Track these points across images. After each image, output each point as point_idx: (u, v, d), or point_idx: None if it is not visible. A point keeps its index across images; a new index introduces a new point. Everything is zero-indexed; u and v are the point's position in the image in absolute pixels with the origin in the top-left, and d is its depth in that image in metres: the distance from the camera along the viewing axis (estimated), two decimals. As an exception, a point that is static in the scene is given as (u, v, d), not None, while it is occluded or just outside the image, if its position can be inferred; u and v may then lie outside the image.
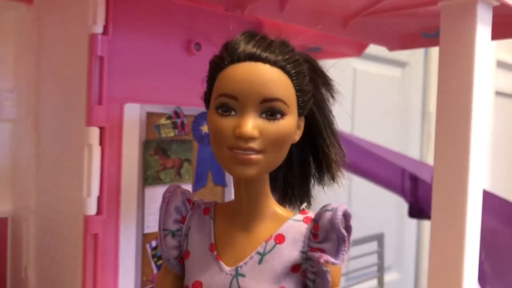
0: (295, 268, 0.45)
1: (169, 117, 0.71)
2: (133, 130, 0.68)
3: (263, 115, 0.43)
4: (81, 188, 0.64)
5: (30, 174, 0.79)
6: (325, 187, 0.51)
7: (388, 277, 1.92)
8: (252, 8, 0.75)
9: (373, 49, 1.10)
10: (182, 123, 0.73)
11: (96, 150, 0.64)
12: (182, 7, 0.72)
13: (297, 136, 0.46)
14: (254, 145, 0.42)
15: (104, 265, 0.65)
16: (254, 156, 0.42)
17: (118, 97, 0.66)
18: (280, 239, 0.45)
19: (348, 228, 0.43)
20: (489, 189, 1.88)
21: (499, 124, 2.35)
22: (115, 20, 0.65)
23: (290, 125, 0.44)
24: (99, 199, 0.65)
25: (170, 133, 0.72)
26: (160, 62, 0.70)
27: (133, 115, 0.68)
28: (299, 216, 0.47)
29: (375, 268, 1.61)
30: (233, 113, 0.43)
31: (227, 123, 0.43)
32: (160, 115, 0.70)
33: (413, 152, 2.06)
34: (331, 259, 0.42)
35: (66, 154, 0.70)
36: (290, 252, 0.45)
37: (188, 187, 0.74)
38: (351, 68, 1.77)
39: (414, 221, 2.06)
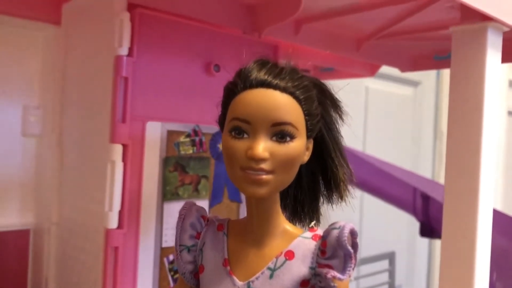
0: (304, 283, 0.47)
1: (188, 135, 0.74)
2: (154, 147, 0.71)
3: (274, 138, 0.45)
4: (103, 202, 0.67)
5: (53, 188, 0.82)
6: (335, 206, 0.53)
7: (399, 296, 1.91)
8: (269, 32, 0.78)
9: (386, 68, 1.12)
10: (201, 141, 0.75)
11: (119, 166, 0.66)
12: (202, 30, 0.75)
13: (306, 157, 0.49)
14: (265, 166, 0.45)
15: (123, 277, 0.68)
16: (265, 177, 0.45)
17: (141, 116, 0.69)
18: (290, 255, 0.47)
19: (354, 245, 0.45)
20: (502, 208, 1.87)
21: (511, 144, 2.34)
22: (139, 43, 0.68)
23: (299, 147, 0.46)
24: (120, 213, 0.67)
25: (189, 150, 0.74)
26: (181, 83, 0.73)
27: (154, 133, 0.71)
28: (308, 234, 0.49)
29: (386, 286, 1.61)
30: (245, 135, 0.46)
31: (240, 145, 0.45)
32: (179, 133, 0.73)
33: (425, 171, 2.07)
34: (338, 275, 0.44)
35: (89, 169, 0.73)
36: (300, 268, 0.47)
37: (205, 203, 0.76)
38: (363, 86, 1.79)
39: (425, 240, 2.05)
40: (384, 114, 1.87)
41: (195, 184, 0.75)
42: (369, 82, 1.79)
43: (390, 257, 1.62)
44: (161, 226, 0.72)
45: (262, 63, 0.47)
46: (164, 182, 0.71)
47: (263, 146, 0.44)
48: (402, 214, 1.47)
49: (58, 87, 0.83)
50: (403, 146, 1.97)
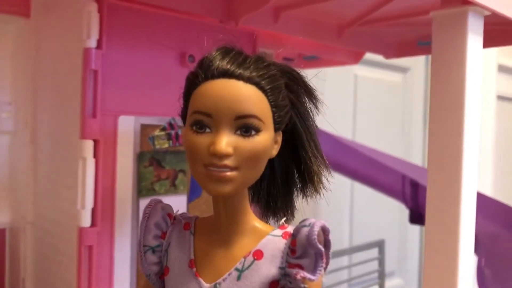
0: (273, 284, 0.45)
1: (163, 129, 0.72)
2: (127, 142, 0.68)
3: (238, 132, 0.43)
4: (76, 200, 0.65)
5: (27, 186, 0.79)
6: (320, 195, 0.50)
7: (392, 283, 1.91)
8: (246, 20, 0.75)
9: (374, 55, 1.10)
10: (176, 134, 0.73)
11: (90, 162, 0.64)
12: (175, 20, 0.73)
13: (274, 151, 0.46)
14: (228, 162, 0.42)
15: (98, 277, 0.66)
16: (229, 173, 0.42)
17: (112, 110, 0.67)
18: (258, 255, 0.45)
19: (327, 243, 0.43)
20: (491, 193, 1.87)
21: (501, 128, 2.34)
22: (109, 34, 0.66)
23: (265, 141, 0.44)
24: (94, 211, 0.65)
25: (165, 144, 0.72)
26: (154, 75, 0.71)
27: (127, 127, 0.68)
28: (278, 231, 0.47)
29: (376, 275, 1.61)
30: (207, 130, 0.43)
31: (201, 140, 0.43)
32: (154, 126, 0.71)
33: (415, 158, 2.06)
34: (308, 275, 0.42)
35: (62, 166, 0.70)
36: (269, 268, 0.45)
37: (183, 198, 0.74)
38: (352, 74, 1.77)
39: (416, 227, 2.05)
40: (373, 101, 1.85)
41: (172, 179, 0.73)
42: (358, 69, 1.77)
43: (379, 245, 1.62)
44: (137, 223, 0.70)
45: (225, 51, 0.45)
46: (139, 177, 0.69)
47: (226, 141, 0.42)
48: (391, 202, 1.46)
49: (30, 82, 0.80)
50: (393, 133, 1.96)
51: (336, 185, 0.50)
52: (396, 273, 1.99)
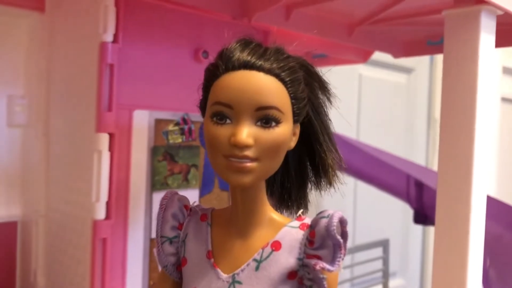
0: (291, 275, 0.45)
1: (177, 124, 0.73)
2: (141, 136, 0.69)
3: (258, 123, 0.43)
4: (90, 193, 0.65)
5: (39, 179, 0.80)
6: (323, 192, 0.51)
7: (393, 283, 1.91)
8: (259, 17, 0.76)
9: (379, 55, 1.11)
10: (190, 130, 0.74)
11: (106, 155, 0.65)
12: (190, 16, 0.73)
13: (292, 143, 0.47)
14: (249, 153, 0.42)
15: (112, 269, 0.67)
16: (249, 164, 0.42)
17: (128, 104, 0.67)
18: (276, 246, 0.45)
19: (344, 235, 0.44)
20: (495, 195, 1.87)
21: (505, 130, 2.34)
22: (125, 29, 0.66)
23: (285, 132, 0.44)
24: (108, 204, 0.66)
25: (178, 139, 0.73)
26: (168, 70, 0.71)
27: (142, 121, 0.69)
28: (296, 223, 0.47)
29: (380, 274, 1.61)
30: (228, 121, 0.43)
31: (222, 131, 0.43)
32: (168, 121, 0.72)
33: (419, 158, 2.06)
34: (327, 266, 0.43)
35: (76, 159, 0.71)
36: (287, 259, 0.45)
37: (195, 192, 0.75)
38: (357, 74, 1.77)
39: (419, 227, 2.06)
40: (378, 101, 1.86)
41: (185, 173, 0.73)
42: (363, 69, 1.78)
43: (384, 244, 1.62)
44: (150, 216, 0.70)
45: (245, 43, 0.45)
46: (153, 171, 0.70)
47: (247, 132, 0.42)
48: (396, 202, 1.47)
49: (43, 75, 0.81)
50: (397, 134, 1.97)
51: (339, 184, 0.51)
52: (398, 273, 2.00)
